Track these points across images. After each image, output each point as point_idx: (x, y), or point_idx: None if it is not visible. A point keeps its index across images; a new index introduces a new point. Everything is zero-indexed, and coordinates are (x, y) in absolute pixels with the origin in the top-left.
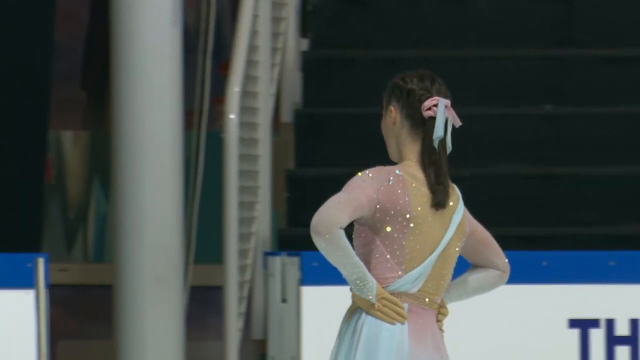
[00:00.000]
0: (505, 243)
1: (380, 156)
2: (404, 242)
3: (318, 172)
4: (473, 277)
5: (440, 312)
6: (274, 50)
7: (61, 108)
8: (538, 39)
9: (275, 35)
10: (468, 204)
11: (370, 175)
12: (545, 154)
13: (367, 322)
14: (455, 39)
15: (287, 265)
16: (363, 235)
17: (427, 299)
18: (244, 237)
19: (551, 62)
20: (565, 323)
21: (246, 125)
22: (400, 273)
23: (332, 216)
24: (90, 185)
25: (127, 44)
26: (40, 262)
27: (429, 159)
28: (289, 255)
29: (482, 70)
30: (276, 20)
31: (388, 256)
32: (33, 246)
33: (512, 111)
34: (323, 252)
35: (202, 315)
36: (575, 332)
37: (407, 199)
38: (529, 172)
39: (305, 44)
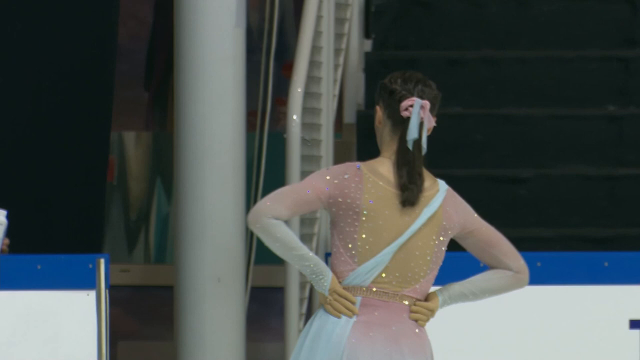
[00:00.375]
0: (569, 244)
1: (440, 157)
2: (355, 236)
3: None
4: (481, 277)
5: (417, 304)
6: (337, 51)
7: (124, 109)
8: (601, 40)
9: (338, 36)
10: (531, 204)
11: (328, 169)
12: (608, 154)
13: (319, 316)
14: (518, 39)
15: None
16: (330, 232)
17: (388, 292)
18: (305, 238)
19: (614, 63)
20: (626, 324)
21: (309, 126)
22: (354, 266)
23: (262, 206)
24: (152, 186)
25: (191, 45)
26: (101, 263)
27: (403, 159)
28: None
29: (545, 71)
30: (339, 21)
31: (342, 250)
32: (94, 247)
33: (575, 112)
34: (265, 243)
35: (263, 316)
36: (637, 333)
37: (359, 193)
38: (592, 172)
39: (368, 45)
